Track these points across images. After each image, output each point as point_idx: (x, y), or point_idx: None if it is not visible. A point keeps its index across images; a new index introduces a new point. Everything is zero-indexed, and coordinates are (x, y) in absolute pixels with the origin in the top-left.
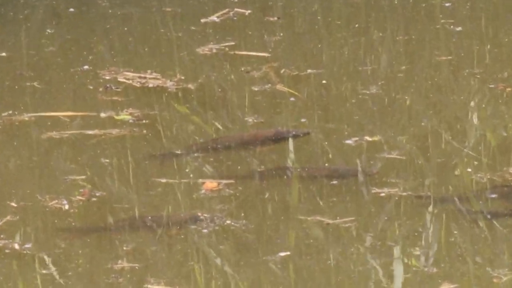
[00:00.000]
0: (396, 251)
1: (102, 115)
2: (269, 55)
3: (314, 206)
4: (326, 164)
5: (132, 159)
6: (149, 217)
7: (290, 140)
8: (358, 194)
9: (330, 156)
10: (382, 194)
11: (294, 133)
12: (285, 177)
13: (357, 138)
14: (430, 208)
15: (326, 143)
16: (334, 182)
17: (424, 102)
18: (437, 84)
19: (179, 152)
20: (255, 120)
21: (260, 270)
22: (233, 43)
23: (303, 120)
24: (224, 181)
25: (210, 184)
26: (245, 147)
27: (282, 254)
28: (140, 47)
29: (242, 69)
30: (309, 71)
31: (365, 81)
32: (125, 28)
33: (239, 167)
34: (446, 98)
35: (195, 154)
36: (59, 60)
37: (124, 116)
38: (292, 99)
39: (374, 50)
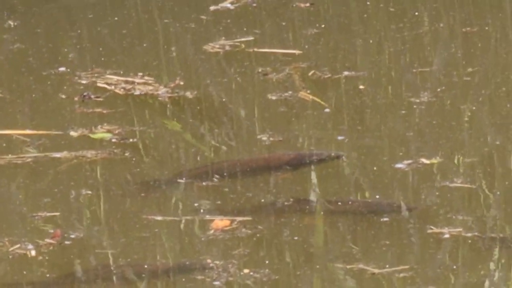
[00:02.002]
0: None
1: (72, 133)
2: (299, 52)
3: (353, 250)
4: (366, 197)
5: (114, 190)
6: (145, 266)
7: (315, 166)
8: (409, 235)
9: (369, 185)
10: (444, 235)
11: (320, 156)
12: (310, 212)
13: (410, 161)
14: (497, 253)
15: (364, 169)
16: (380, 219)
17: (498, 115)
18: None
19: (174, 180)
20: (271, 139)
21: None
22: (251, 38)
23: (335, 137)
24: (239, 218)
25: (221, 222)
26: (255, 175)
27: None
28: (134, 42)
29: (259, 70)
30: (345, 73)
31: (418, 87)
32: (115, 18)
33: (250, 201)
34: None
35: (190, 182)
36: (30, 61)
37: (102, 134)
38: (326, 110)
39: (431, 46)
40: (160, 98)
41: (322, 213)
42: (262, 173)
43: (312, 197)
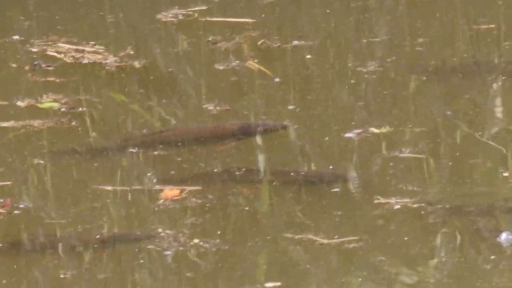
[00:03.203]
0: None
1: (19, 103)
2: (252, 21)
3: (301, 220)
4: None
5: (63, 159)
6: (96, 235)
7: (262, 136)
8: (357, 205)
9: (317, 155)
10: (392, 206)
11: (266, 126)
12: (258, 182)
13: (359, 131)
14: (443, 223)
15: (312, 139)
16: (328, 189)
17: (447, 85)
18: (466, 62)
19: (122, 149)
20: (218, 108)
21: None
22: (205, 7)
23: (283, 108)
24: (189, 188)
25: (170, 191)
26: (202, 145)
27: (270, 285)
28: (91, 11)
29: (210, 39)
30: (295, 43)
31: (368, 56)
32: None
33: (199, 170)
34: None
35: (137, 152)
36: None
37: (50, 103)
38: (276, 79)
39: (380, 17)
40: (107, 68)
41: (269, 183)
42: (208, 142)
43: (260, 167)
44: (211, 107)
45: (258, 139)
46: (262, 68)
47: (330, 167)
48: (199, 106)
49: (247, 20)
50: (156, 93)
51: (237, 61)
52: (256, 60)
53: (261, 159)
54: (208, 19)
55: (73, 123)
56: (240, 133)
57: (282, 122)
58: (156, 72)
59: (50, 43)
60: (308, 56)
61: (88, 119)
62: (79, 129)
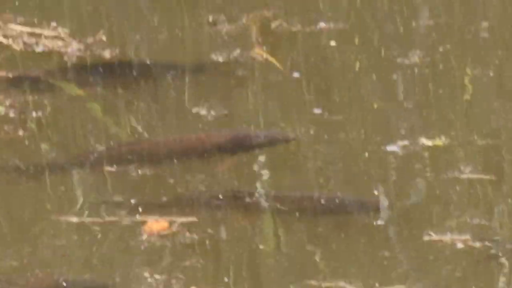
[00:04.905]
0: None
1: None
2: None
3: (329, 262)
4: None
5: (4, 178)
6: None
7: (260, 150)
8: (399, 243)
9: (343, 175)
10: (446, 244)
11: (264, 137)
12: (256, 211)
13: (406, 142)
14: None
15: (330, 154)
16: (351, 220)
17: None
18: None
19: (81, 165)
20: (213, 113)
21: None
22: None
23: (298, 112)
24: (181, 220)
25: (156, 223)
26: (185, 161)
27: None
28: None
29: (210, 20)
30: (321, 25)
31: (408, 44)
32: None
33: (185, 195)
34: None
35: (100, 168)
36: None
37: None
38: (295, 74)
39: None
40: (65, 58)
41: (276, 211)
42: (192, 158)
43: (260, 190)
44: (203, 112)
45: (257, 154)
46: (271, 59)
47: (374, 191)
48: (187, 110)
49: None
50: (128, 94)
51: (239, 49)
52: (265, 48)
53: (264, 180)
54: None
55: (20, 133)
56: (231, 147)
57: (287, 133)
58: (131, 64)
59: (0, 23)
60: (332, 43)
61: (36, 126)
62: (27, 139)
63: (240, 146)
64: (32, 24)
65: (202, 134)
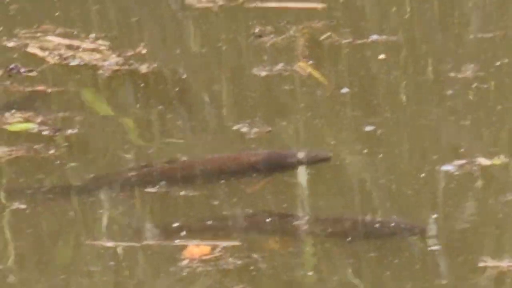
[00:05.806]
0: None
1: None
2: (323, 6)
3: None
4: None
5: (33, 200)
6: None
7: (297, 169)
8: (452, 270)
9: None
10: (501, 271)
11: (303, 156)
12: (301, 235)
13: (462, 162)
14: None
15: (378, 174)
16: (398, 245)
17: None
18: None
19: (113, 185)
20: (255, 130)
21: None
22: None
23: (348, 130)
24: (223, 244)
25: (197, 248)
26: (218, 181)
27: None
28: None
29: (256, 31)
30: (373, 37)
31: (463, 59)
32: None
33: (226, 217)
34: None
35: (133, 190)
36: None
37: (23, 124)
38: (344, 90)
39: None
40: (100, 72)
41: (315, 237)
42: (225, 178)
43: (300, 212)
44: (244, 129)
45: (299, 174)
46: (314, 72)
47: (425, 213)
48: (228, 127)
49: (315, 4)
50: (164, 111)
51: (282, 63)
52: (310, 62)
53: (307, 202)
54: (260, 5)
55: (52, 151)
56: (265, 166)
57: (324, 151)
58: (169, 78)
59: (38, 35)
60: (381, 56)
61: (67, 144)
62: (57, 159)
63: (275, 166)
64: (71, 36)
65: (235, 153)
